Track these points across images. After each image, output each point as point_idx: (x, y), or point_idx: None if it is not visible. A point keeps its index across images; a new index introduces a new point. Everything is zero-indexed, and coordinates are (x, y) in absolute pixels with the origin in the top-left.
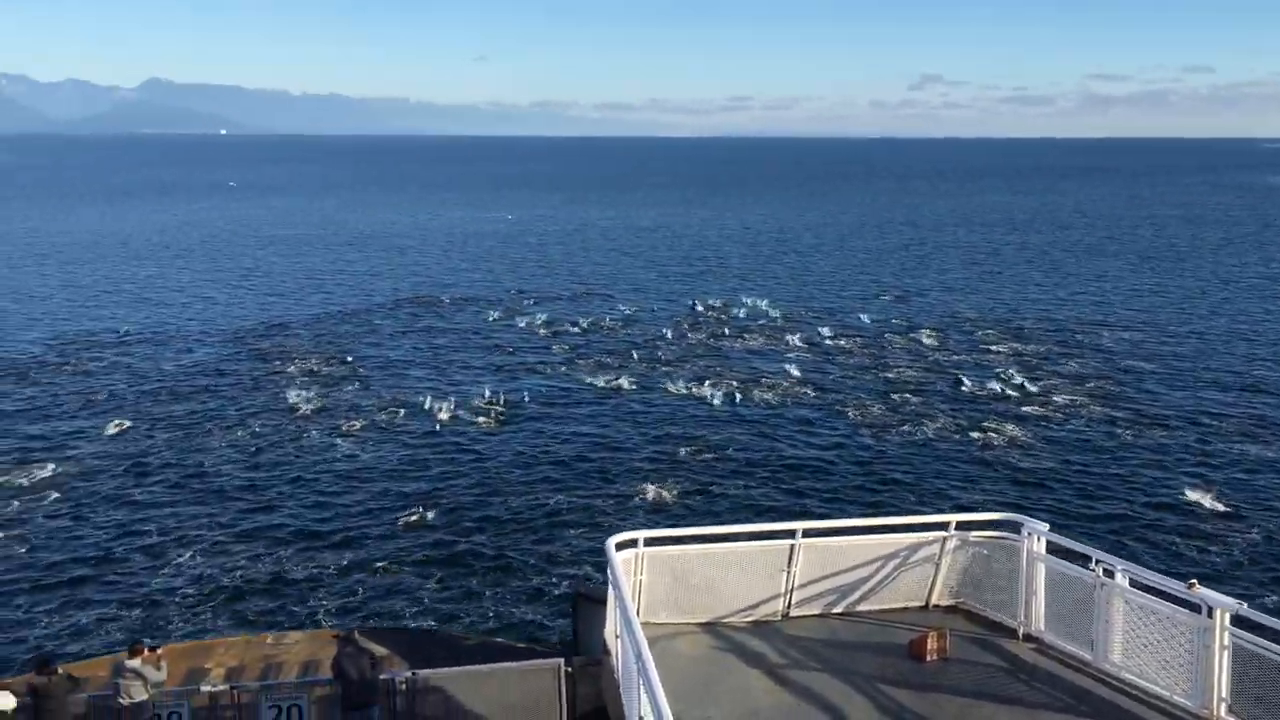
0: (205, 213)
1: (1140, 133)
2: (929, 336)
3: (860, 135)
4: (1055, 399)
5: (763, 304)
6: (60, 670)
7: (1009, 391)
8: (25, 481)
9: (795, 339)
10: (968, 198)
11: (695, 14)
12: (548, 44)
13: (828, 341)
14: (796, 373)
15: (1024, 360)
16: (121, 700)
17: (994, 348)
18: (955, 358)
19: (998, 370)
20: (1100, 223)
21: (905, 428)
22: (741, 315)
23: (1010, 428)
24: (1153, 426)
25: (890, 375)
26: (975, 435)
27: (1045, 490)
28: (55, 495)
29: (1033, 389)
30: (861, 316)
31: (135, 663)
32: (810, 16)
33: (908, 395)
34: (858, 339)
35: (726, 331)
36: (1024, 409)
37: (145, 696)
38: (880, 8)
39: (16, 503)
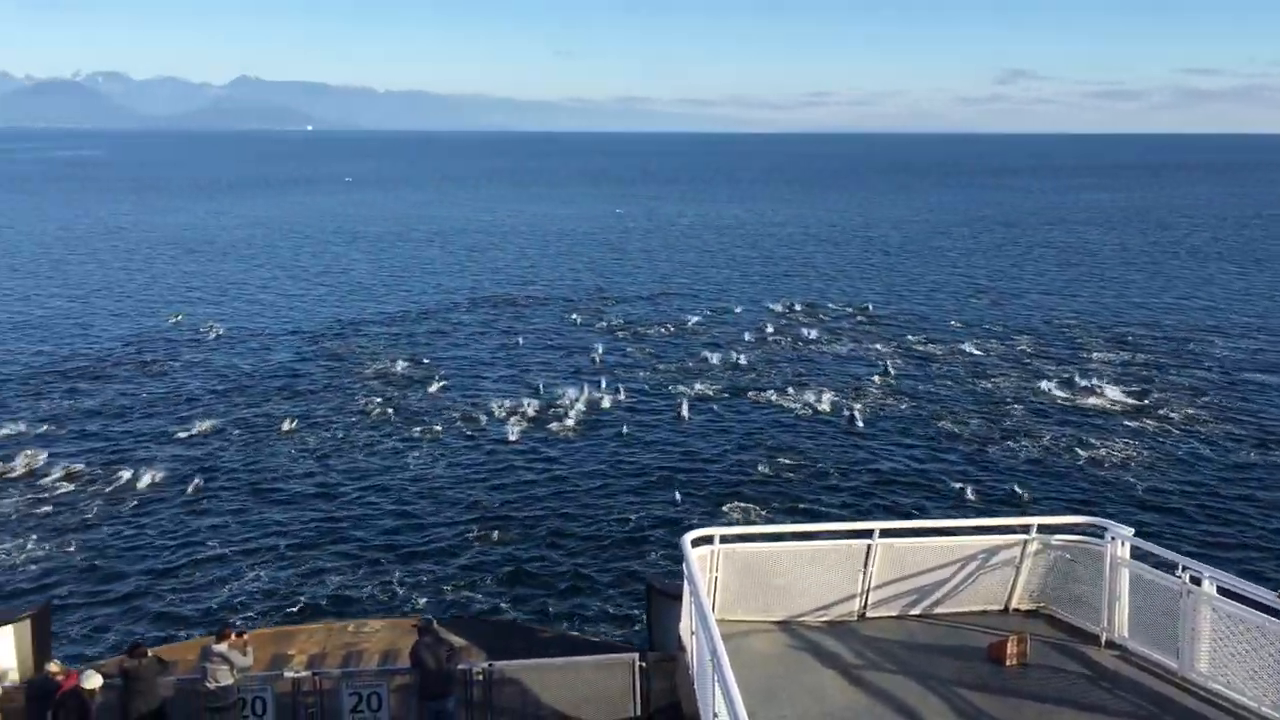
0: (289, 208)
1: (1235, 128)
2: (1026, 343)
3: (945, 131)
4: (1167, 412)
5: (850, 306)
6: (150, 654)
7: (1115, 403)
8: (111, 477)
9: (885, 343)
10: (1060, 195)
11: (776, 8)
12: (627, 39)
13: (919, 346)
14: (886, 379)
15: (1131, 370)
16: (208, 684)
17: (1098, 355)
18: (1056, 366)
19: (1102, 380)
20: (1204, 222)
21: (1006, 442)
22: (827, 317)
23: (1116, 442)
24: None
25: (986, 385)
26: (1079, 451)
27: (1144, 505)
28: (139, 491)
29: (1142, 401)
30: (954, 320)
31: (222, 647)
32: (893, 10)
33: (1005, 405)
34: (950, 344)
35: (812, 335)
36: (1131, 422)
37: (231, 681)
38: (966, 1)
39: (101, 500)
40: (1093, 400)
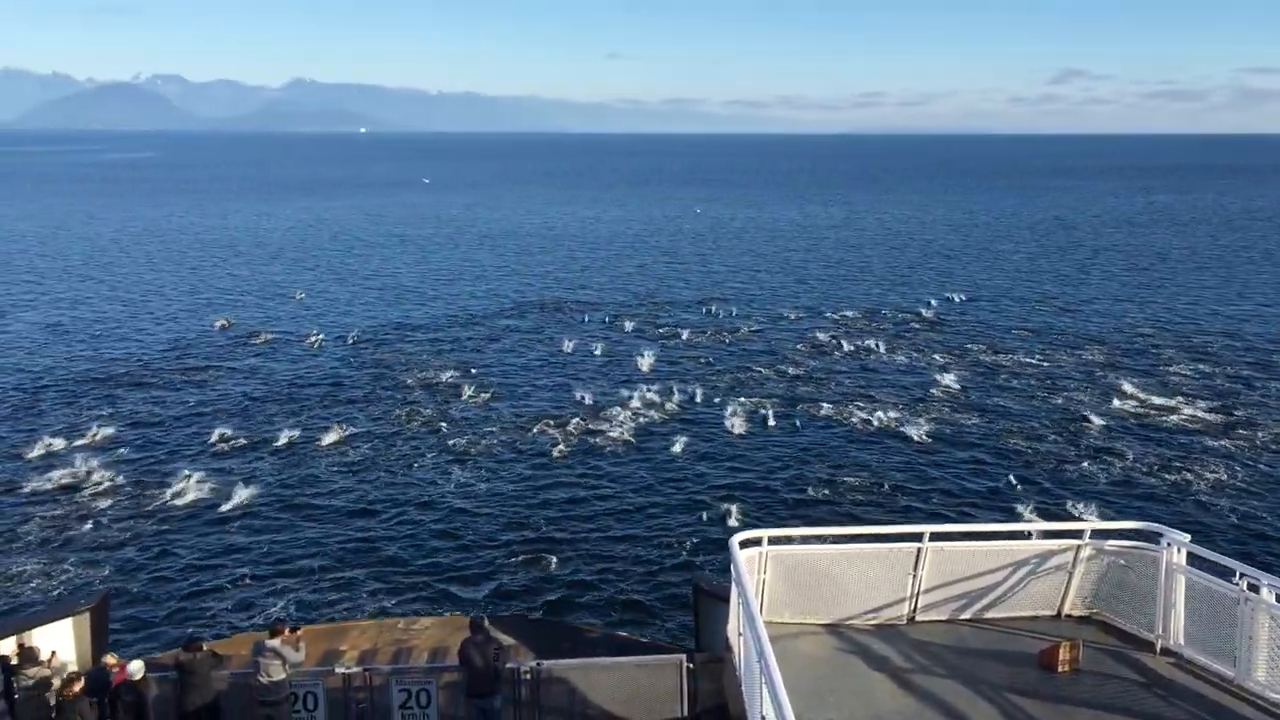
0: (337, 210)
1: None
2: (1096, 351)
3: (998, 132)
4: (1241, 420)
5: (909, 312)
6: (205, 648)
7: (1199, 420)
8: (166, 477)
9: (945, 351)
10: (1122, 198)
11: (827, 9)
12: (678, 41)
13: (982, 355)
14: (947, 388)
15: (1213, 384)
16: (261, 678)
17: (1175, 369)
18: (1126, 375)
19: (1170, 388)
20: (1276, 224)
21: (1083, 463)
22: (886, 324)
23: (1177, 450)
24: None
25: (1058, 400)
26: (1140, 459)
27: (1202, 510)
28: (194, 492)
29: (1227, 418)
30: (1020, 327)
31: (275, 642)
32: (945, 9)
33: (1082, 423)
34: (1015, 352)
35: (870, 343)
36: (1216, 441)
37: (283, 676)
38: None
39: (157, 498)
40: (1154, 406)
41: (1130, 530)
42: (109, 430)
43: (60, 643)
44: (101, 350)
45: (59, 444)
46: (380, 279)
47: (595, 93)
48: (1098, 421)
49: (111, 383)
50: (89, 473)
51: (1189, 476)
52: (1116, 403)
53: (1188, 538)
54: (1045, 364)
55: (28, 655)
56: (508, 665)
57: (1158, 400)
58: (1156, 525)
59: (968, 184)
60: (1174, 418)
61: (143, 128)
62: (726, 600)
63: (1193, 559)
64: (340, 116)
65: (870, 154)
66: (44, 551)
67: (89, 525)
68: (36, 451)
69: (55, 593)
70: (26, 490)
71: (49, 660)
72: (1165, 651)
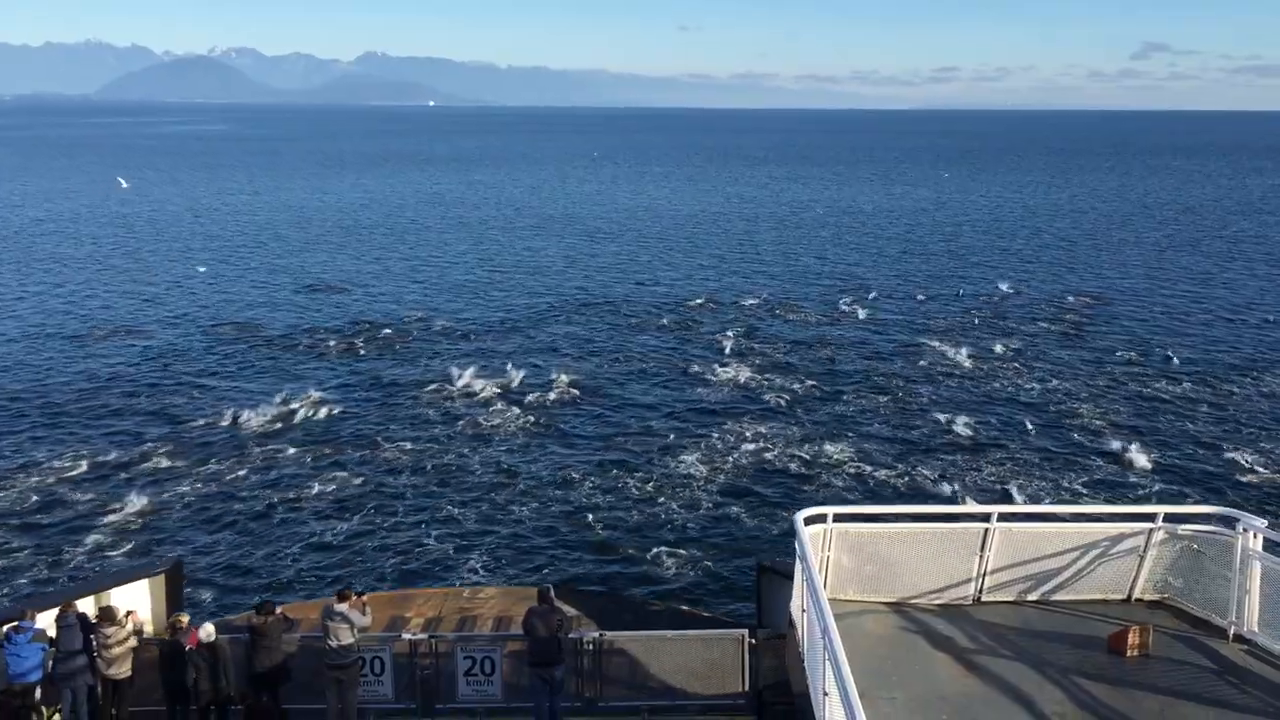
0: (395, 188)
1: None
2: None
3: (1079, 108)
4: None
5: (1028, 309)
6: (278, 611)
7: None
8: (243, 446)
9: (1093, 354)
10: (1234, 179)
11: None
12: (750, 14)
13: (1125, 367)
14: (1046, 382)
15: None
16: (330, 642)
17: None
18: (1240, 370)
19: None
20: None
21: (1162, 445)
22: (1009, 320)
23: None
24: None
25: (1140, 386)
26: (1248, 459)
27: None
28: (268, 462)
29: None
30: (1171, 335)
31: (343, 607)
32: None
33: (1163, 405)
34: (1183, 367)
35: (982, 337)
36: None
37: (351, 640)
38: None
39: (236, 467)
40: (1249, 391)
41: (1205, 514)
42: (188, 401)
43: (137, 603)
44: (153, 329)
45: (141, 417)
46: (430, 268)
47: (664, 67)
48: (1179, 404)
49: (184, 363)
50: (166, 445)
51: (1271, 461)
52: (1208, 387)
53: (1264, 523)
54: (1215, 379)
55: (106, 614)
56: (571, 635)
57: (1252, 386)
58: (1233, 510)
59: (1061, 163)
60: (1264, 403)
61: (218, 100)
62: (790, 577)
63: (1269, 545)
64: (410, 90)
65: (948, 130)
66: (126, 517)
67: (167, 494)
68: (125, 423)
69: (133, 558)
70: (111, 459)
71: (126, 619)
72: (1238, 639)
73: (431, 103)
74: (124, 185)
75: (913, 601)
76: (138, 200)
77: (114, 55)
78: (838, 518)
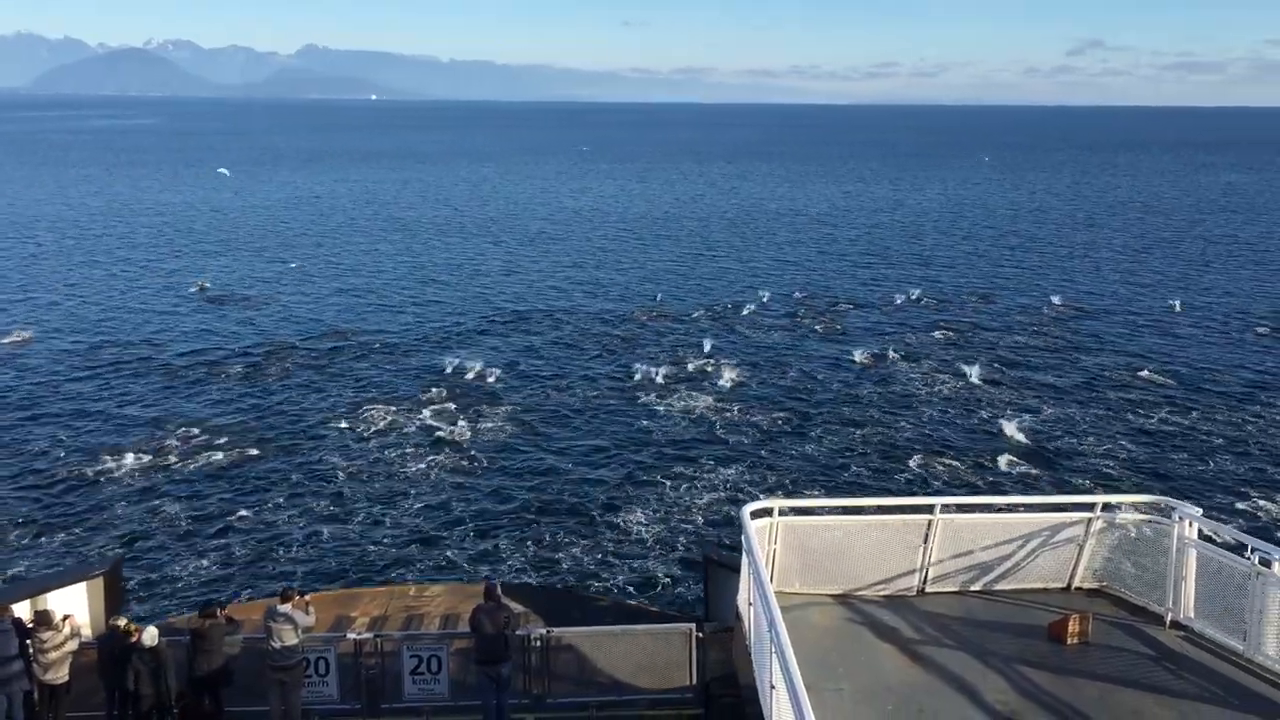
0: (328, 186)
1: None
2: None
3: (1016, 104)
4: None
5: (1010, 316)
6: (220, 613)
7: (1216, 397)
8: (177, 448)
9: (977, 346)
10: (1189, 176)
11: None
12: (693, 9)
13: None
14: (969, 371)
15: (1248, 365)
16: (273, 643)
17: (1212, 350)
18: (1168, 359)
19: (1210, 373)
20: None
21: (1098, 436)
22: (990, 331)
23: (1224, 440)
24: None
25: (1078, 376)
26: (1182, 449)
27: (1216, 487)
28: (207, 463)
29: (1247, 397)
30: (1150, 343)
31: (286, 608)
32: None
33: (1097, 396)
34: (1141, 366)
35: (945, 343)
36: (1234, 418)
37: (295, 641)
38: None
39: (172, 468)
40: (1174, 383)
41: (1142, 503)
42: (129, 401)
43: (74, 606)
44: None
45: (76, 414)
46: (360, 278)
47: (606, 61)
48: (1113, 395)
49: (109, 361)
50: (102, 446)
51: (1203, 451)
52: (1135, 376)
53: (1199, 511)
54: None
55: (43, 618)
56: (518, 632)
57: (1180, 376)
58: (1169, 499)
59: (1010, 159)
60: (1192, 394)
61: (154, 94)
62: (737, 570)
63: (1204, 533)
64: (352, 84)
65: (892, 125)
66: (60, 518)
67: (105, 492)
68: (54, 422)
69: (70, 558)
70: (44, 458)
71: (63, 623)
72: (1175, 625)
73: (373, 96)
74: (226, 174)
75: (858, 593)
76: (49, 201)
77: (46, 47)
78: (783, 511)
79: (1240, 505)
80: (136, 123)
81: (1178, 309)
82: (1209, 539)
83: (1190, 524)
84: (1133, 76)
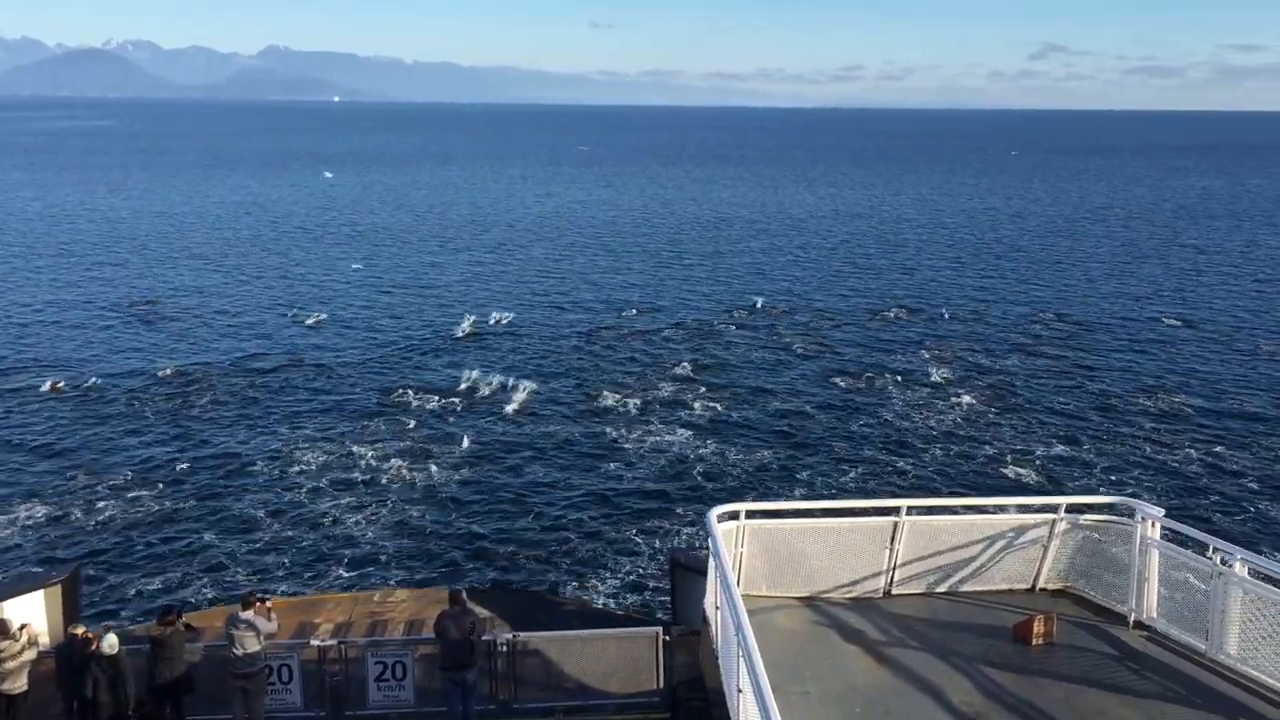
0: (284, 191)
1: (1273, 106)
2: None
3: (980, 107)
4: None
5: (992, 325)
6: (180, 620)
7: (1178, 398)
8: (130, 457)
9: (953, 348)
10: (1163, 181)
11: None
12: (659, 11)
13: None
14: (942, 374)
15: (1209, 367)
16: (235, 650)
17: (1183, 351)
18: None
19: (1169, 373)
20: None
21: (1062, 437)
22: (977, 332)
23: (1185, 440)
24: None
25: (1045, 378)
26: (1144, 450)
27: (1177, 487)
28: (176, 467)
29: (1208, 398)
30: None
31: (248, 614)
32: None
33: (1068, 397)
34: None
35: (931, 351)
36: (1196, 419)
37: (258, 647)
38: None
39: (135, 474)
40: (1139, 386)
41: (1105, 504)
42: (78, 400)
43: (31, 615)
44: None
45: (27, 414)
46: (280, 283)
47: (573, 64)
48: (1083, 397)
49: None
50: (58, 452)
51: (1165, 451)
52: (1099, 379)
53: (1161, 512)
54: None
55: (1, 628)
56: (484, 637)
57: (1144, 379)
58: (1131, 500)
59: (982, 164)
60: (1153, 398)
61: (113, 94)
62: (704, 574)
63: (1166, 533)
64: (314, 85)
65: (859, 129)
66: (15, 524)
67: (62, 498)
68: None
69: (25, 566)
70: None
71: (19, 631)
72: (1138, 625)
73: (336, 98)
74: (329, 176)
75: (824, 596)
76: None
77: (3, 47)
78: (750, 514)
79: (1202, 505)
80: (93, 124)
81: (1171, 321)
82: (1172, 539)
83: (1153, 524)
84: (1095, 80)
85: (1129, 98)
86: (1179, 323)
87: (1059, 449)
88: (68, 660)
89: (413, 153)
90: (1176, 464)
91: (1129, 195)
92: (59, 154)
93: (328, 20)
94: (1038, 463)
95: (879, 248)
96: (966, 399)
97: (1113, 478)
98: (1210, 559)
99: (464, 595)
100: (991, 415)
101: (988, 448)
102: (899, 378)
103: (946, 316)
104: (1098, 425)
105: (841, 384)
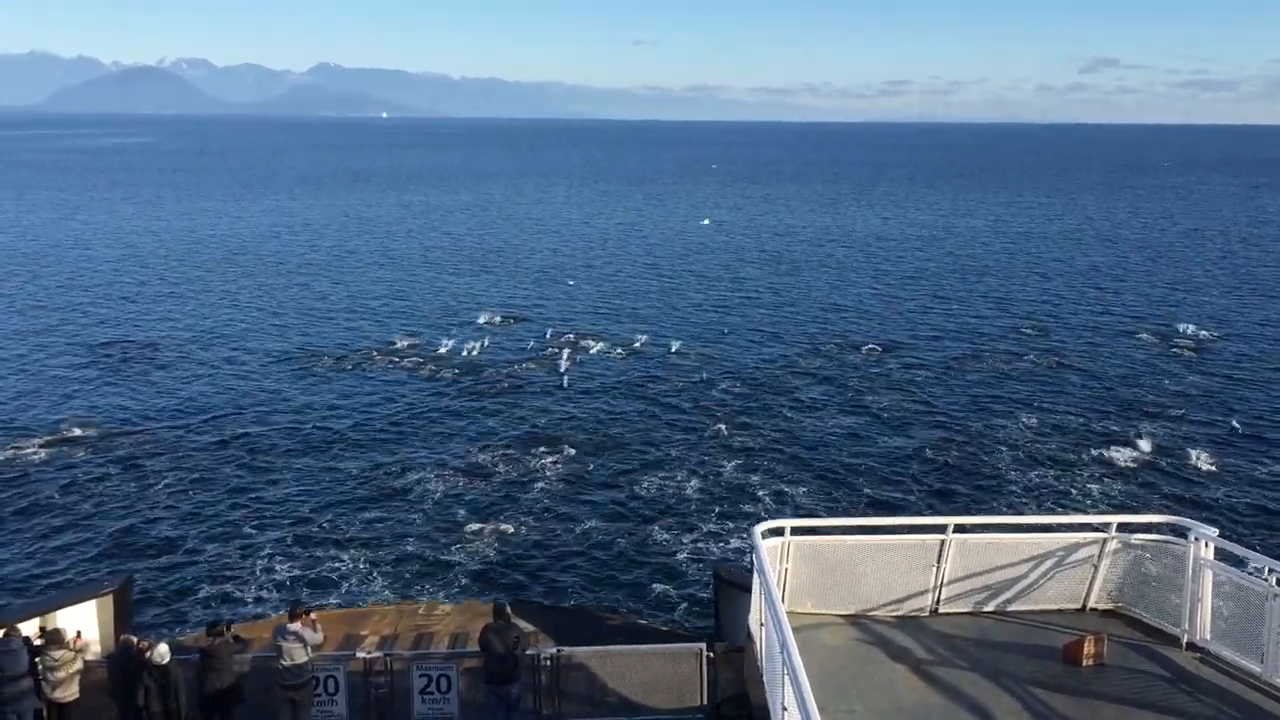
0: (317, 212)
1: None
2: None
3: (1030, 122)
4: None
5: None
6: (229, 631)
7: (1231, 416)
8: (196, 461)
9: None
10: (1249, 200)
11: None
12: (703, 27)
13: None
14: (992, 389)
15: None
16: (283, 661)
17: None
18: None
19: (1223, 390)
20: None
21: (1114, 455)
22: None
23: (1241, 460)
24: None
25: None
26: (1200, 469)
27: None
28: (227, 476)
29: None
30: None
31: (295, 625)
32: None
33: (1118, 415)
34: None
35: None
36: (1251, 438)
37: (305, 659)
38: None
39: (188, 482)
40: (1194, 398)
41: (1157, 524)
42: (127, 416)
43: (84, 624)
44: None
45: (78, 431)
46: (283, 307)
47: (618, 79)
48: (1131, 414)
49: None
50: (112, 457)
51: (1221, 471)
52: (1159, 395)
53: (1215, 531)
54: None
55: (53, 637)
56: (528, 651)
57: (1196, 393)
58: (1184, 519)
59: (1051, 181)
60: (1210, 414)
61: (167, 111)
62: (748, 590)
63: (1221, 553)
64: (364, 102)
65: (911, 143)
66: (71, 535)
67: (115, 510)
68: (59, 435)
69: (81, 576)
70: (51, 472)
71: (74, 641)
72: (1191, 646)
73: (384, 114)
74: (707, 224)
75: (870, 613)
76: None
77: (60, 67)
78: (795, 530)
79: (1259, 526)
80: (134, 141)
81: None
82: (1226, 559)
83: (1206, 544)
84: (1145, 94)
85: (1179, 111)
86: None
87: (1110, 466)
88: (121, 669)
89: (454, 170)
90: (1232, 483)
91: (1220, 215)
92: (90, 173)
93: (377, 38)
94: (1087, 479)
95: (958, 277)
96: (1022, 415)
97: (1165, 496)
98: (1266, 580)
99: (508, 609)
100: (1045, 429)
101: (1038, 462)
102: (955, 390)
103: (1044, 363)
104: (1150, 442)
105: (897, 400)
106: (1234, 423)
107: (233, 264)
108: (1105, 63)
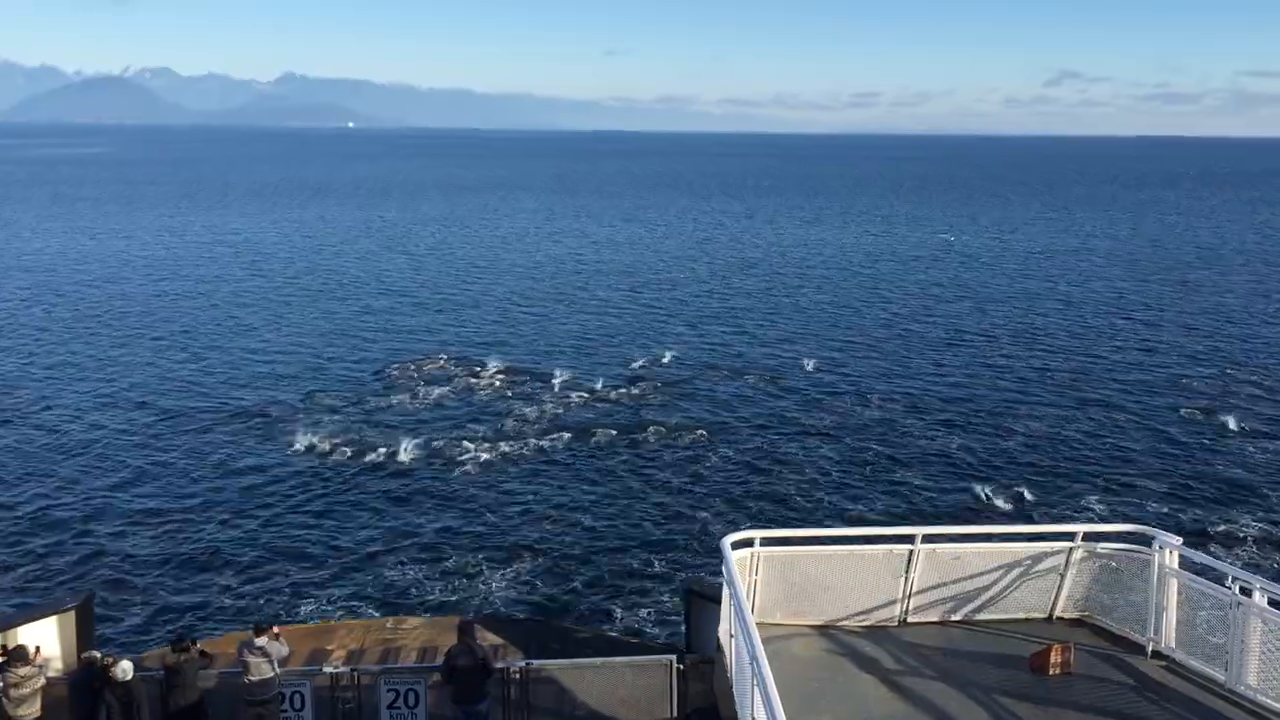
0: (268, 228)
1: None
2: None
3: (997, 134)
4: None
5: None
6: (194, 647)
7: (1198, 424)
8: (147, 486)
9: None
10: (1250, 215)
11: (823, 7)
12: (675, 37)
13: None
14: (948, 398)
15: (1229, 390)
16: (250, 677)
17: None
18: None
19: (1188, 399)
20: None
21: (1077, 465)
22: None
23: (1201, 468)
24: None
25: (1063, 403)
26: (1162, 478)
27: (1195, 516)
28: (174, 499)
29: (1229, 424)
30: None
31: (261, 640)
32: (941, 9)
33: (1079, 425)
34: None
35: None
36: (1216, 446)
37: (272, 674)
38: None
39: (143, 506)
40: (1152, 409)
41: (1122, 533)
42: (100, 430)
43: (45, 641)
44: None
45: (48, 443)
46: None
47: (588, 90)
48: (1095, 424)
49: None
50: (76, 473)
51: (1182, 480)
52: (1120, 408)
53: (1179, 540)
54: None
55: (17, 654)
56: (498, 665)
57: (1156, 402)
58: (1149, 528)
59: (1035, 194)
60: (1174, 423)
61: (130, 121)
62: (718, 601)
63: (1185, 562)
64: (330, 111)
65: (882, 155)
66: (29, 551)
67: (78, 524)
68: (24, 450)
69: (40, 592)
70: (12, 489)
71: (34, 657)
72: (1156, 655)
73: (351, 124)
74: (950, 240)
75: (840, 624)
76: None
77: (22, 75)
78: (765, 541)
79: (1221, 534)
80: (90, 151)
81: None
82: (1190, 568)
83: (1171, 553)
84: (1110, 107)
85: (1142, 124)
86: None
87: (1075, 476)
88: (86, 687)
89: (420, 182)
90: (1196, 491)
91: (1229, 232)
92: (31, 185)
93: (343, 48)
94: (1053, 489)
95: (940, 292)
96: (987, 426)
97: (1129, 505)
98: (1229, 588)
99: (475, 628)
100: (1008, 440)
101: (1002, 473)
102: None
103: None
104: (1114, 452)
105: (867, 415)
106: (1207, 434)
107: (160, 296)
108: (1070, 75)
